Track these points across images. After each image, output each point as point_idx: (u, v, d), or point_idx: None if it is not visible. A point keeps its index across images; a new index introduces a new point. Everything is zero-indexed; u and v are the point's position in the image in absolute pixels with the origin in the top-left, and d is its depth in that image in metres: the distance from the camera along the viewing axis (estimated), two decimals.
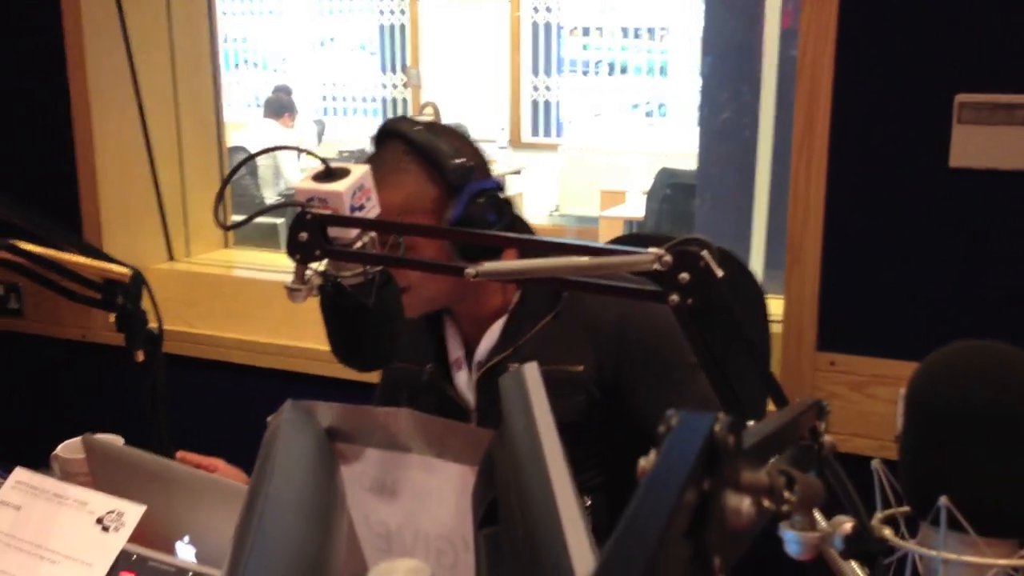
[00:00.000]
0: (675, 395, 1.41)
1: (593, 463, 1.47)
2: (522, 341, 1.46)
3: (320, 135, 8.41)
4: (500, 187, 1.42)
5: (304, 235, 1.11)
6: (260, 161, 6.30)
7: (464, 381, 1.53)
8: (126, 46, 2.51)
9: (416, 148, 1.38)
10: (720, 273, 0.95)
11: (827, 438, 0.78)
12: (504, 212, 1.40)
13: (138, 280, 1.26)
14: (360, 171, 1.22)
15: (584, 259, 1.03)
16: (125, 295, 1.25)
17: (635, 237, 2.18)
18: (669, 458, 0.36)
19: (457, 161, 1.37)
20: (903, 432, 0.77)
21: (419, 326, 1.56)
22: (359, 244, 1.22)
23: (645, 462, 0.40)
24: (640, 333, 1.42)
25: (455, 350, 1.54)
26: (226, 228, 1.14)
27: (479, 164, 1.43)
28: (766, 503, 0.42)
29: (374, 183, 1.29)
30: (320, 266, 1.17)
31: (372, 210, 1.23)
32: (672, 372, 1.43)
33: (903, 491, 0.77)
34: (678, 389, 1.42)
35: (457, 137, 1.42)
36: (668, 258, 0.95)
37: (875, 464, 0.80)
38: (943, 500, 0.70)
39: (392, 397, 1.64)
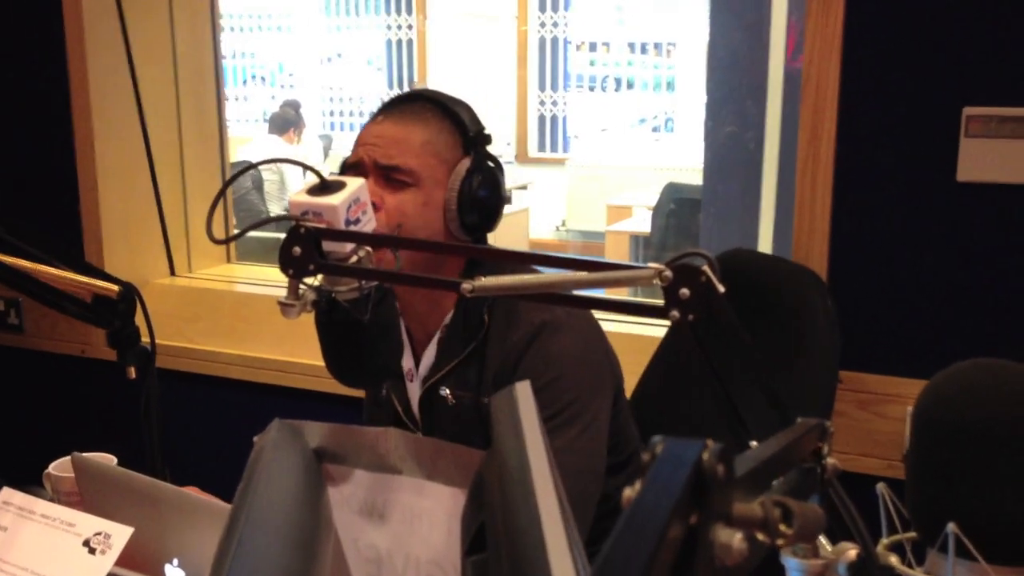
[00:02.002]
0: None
1: None
2: (454, 363, 1.41)
3: (327, 150, 8.41)
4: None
5: (298, 249, 1.09)
6: (265, 176, 6.29)
7: (416, 395, 1.49)
8: (128, 59, 2.51)
9: (439, 106, 1.43)
10: (722, 289, 0.92)
11: (830, 460, 0.75)
12: (501, 188, 1.44)
13: (128, 296, 1.23)
14: (356, 184, 1.20)
15: (583, 274, 1.01)
16: (114, 311, 1.23)
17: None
18: (653, 489, 0.34)
19: (476, 126, 1.43)
20: (909, 453, 0.74)
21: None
22: (354, 259, 1.19)
23: (630, 491, 0.37)
24: (531, 366, 1.35)
25: (407, 360, 1.50)
26: (217, 242, 1.11)
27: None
28: (760, 537, 0.40)
29: (396, 123, 1.39)
30: (315, 281, 1.15)
31: (368, 224, 1.21)
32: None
33: (910, 516, 0.74)
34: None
35: (473, 112, 1.48)
36: (668, 273, 0.92)
37: (880, 487, 0.77)
38: (951, 527, 0.67)
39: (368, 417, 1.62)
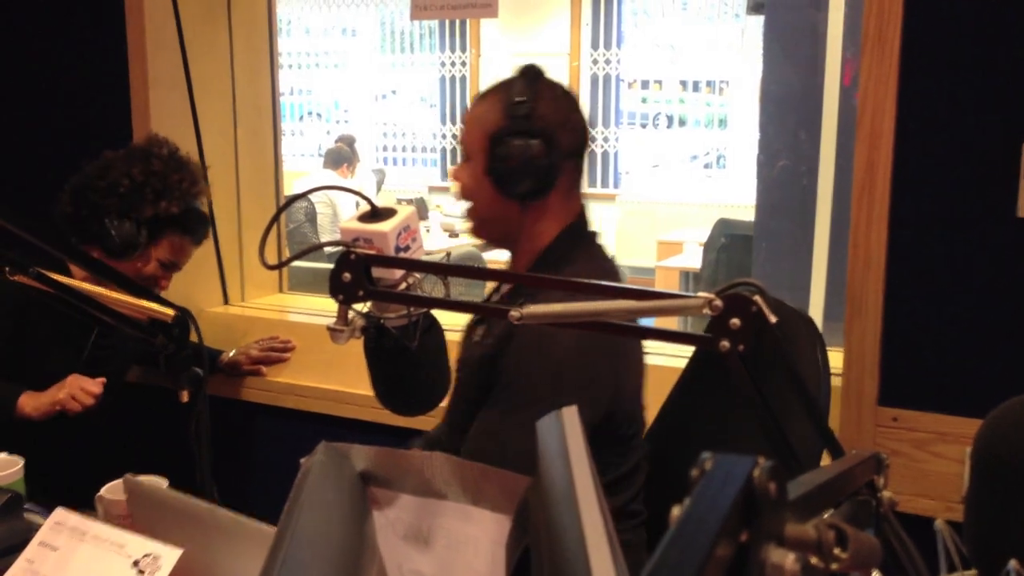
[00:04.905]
0: (492, 419, 1.37)
1: None
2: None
3: (379, 184, 8.52)
4: None
5: (348, 275, 1.10)
6: (319, 208, 6.38)
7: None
8: (189, 95, 2.57)
9: None
10: (773, 319, 0.91)
11: (886, 494, 0.73)
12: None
13: (182, 320, 1.25)
14: (406, 212, 1.21)
15: (632, 303, 1.00)
16: (168, 335, 1.25)
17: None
18: (701, 506, 0.33)
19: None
20: (968, 489, 0.72)
21: None
22: (403, 285, 1.20)
23: (678, 509, 0.37)
24: (521, 343, 1.38)
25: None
26: (269, 267, 1.13)
27: None
28: (813, 560, 0.38)
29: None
30: (364, 307, 1.16)
31: (417, 251, 1.22)
32: (509, 395, 1.38)
33: (969, 553, 0.71)
34: (500, 415, 1.38)
35: None
36: (719, 303, 0.92)
37: (938, 524, 0.74)
38: (1012, 564, 0.65)
39: None
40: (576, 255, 1.48)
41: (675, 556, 0.29)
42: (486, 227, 1.54)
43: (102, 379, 1.88)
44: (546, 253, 1.49)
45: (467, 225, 1.56)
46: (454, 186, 1.60)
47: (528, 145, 1.45)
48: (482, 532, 0.82)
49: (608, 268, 1.50)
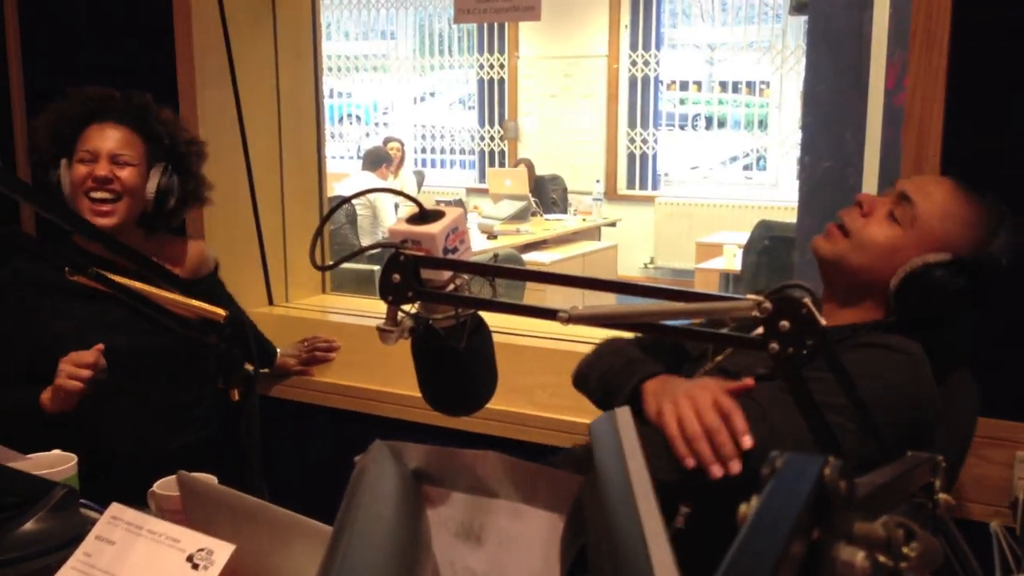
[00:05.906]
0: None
1: None
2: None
3: (420, 184, 8.58)
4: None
5: (397, 276, 1.11)
6: (359, 210, 6.42)
7: None
8: (235, 98, 2.60)
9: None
10: (824, 322, 0.91)
11: (942, 496, 0.73)
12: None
13: (234, 321, 1.27)
14: (454, 213, 1.22)
15: (679, 304, 1.01)
16: (220, 336, 1.27)
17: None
18: (773, 504, 0.33)
19: None
20: None
21: None
22: (451, 287, 1.21)
23: (746, 507, 0.37)
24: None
25: None
26: (320, 268, 1.15)
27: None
28: (882, 559, 0.39)
29: None
30: (413, 308, 1.17)
31: (465, 252, 1.23)
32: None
33: None
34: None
35: None
36: (768, 305, 0.92)
37: (994, 527, 0.74)
38: None
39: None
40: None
41: (751, 552, 0.30)
42: (855, 274, 1.48)
43: (99, 345, 1.78)
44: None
45: (835, 245, 1.52)
46: (861, 226, 1.53)
47: (965, 290, 1.41)
48: (534, 530, 0.83)
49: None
